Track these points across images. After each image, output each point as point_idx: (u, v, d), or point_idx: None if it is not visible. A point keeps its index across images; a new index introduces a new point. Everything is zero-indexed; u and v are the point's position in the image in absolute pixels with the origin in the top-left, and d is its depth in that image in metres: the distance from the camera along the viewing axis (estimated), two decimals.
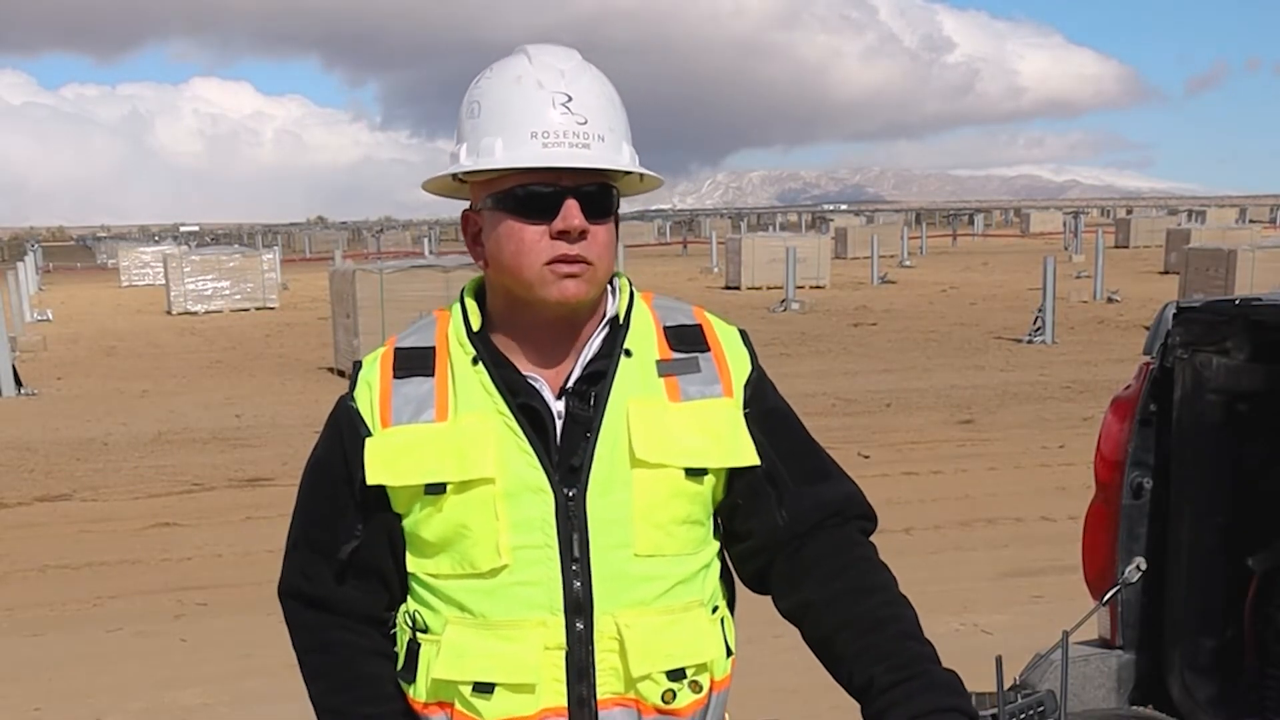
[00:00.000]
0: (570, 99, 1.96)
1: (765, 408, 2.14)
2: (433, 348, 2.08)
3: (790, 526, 2.11)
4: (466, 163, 2.01)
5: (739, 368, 2.11)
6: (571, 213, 1.95)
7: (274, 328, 26.89)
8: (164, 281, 33.52)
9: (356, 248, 77.25)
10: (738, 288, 33.92)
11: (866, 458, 11.36)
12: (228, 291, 31.98)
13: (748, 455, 2.06)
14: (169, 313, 31.25)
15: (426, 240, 64.82)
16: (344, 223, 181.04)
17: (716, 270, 41.33)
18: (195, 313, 31.16)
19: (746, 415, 2.09)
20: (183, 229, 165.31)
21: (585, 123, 1.96)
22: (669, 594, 2.04)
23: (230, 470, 11.71)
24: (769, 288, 32.22)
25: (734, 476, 2.10)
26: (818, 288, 33.21)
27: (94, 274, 57.87)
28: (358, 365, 2.13)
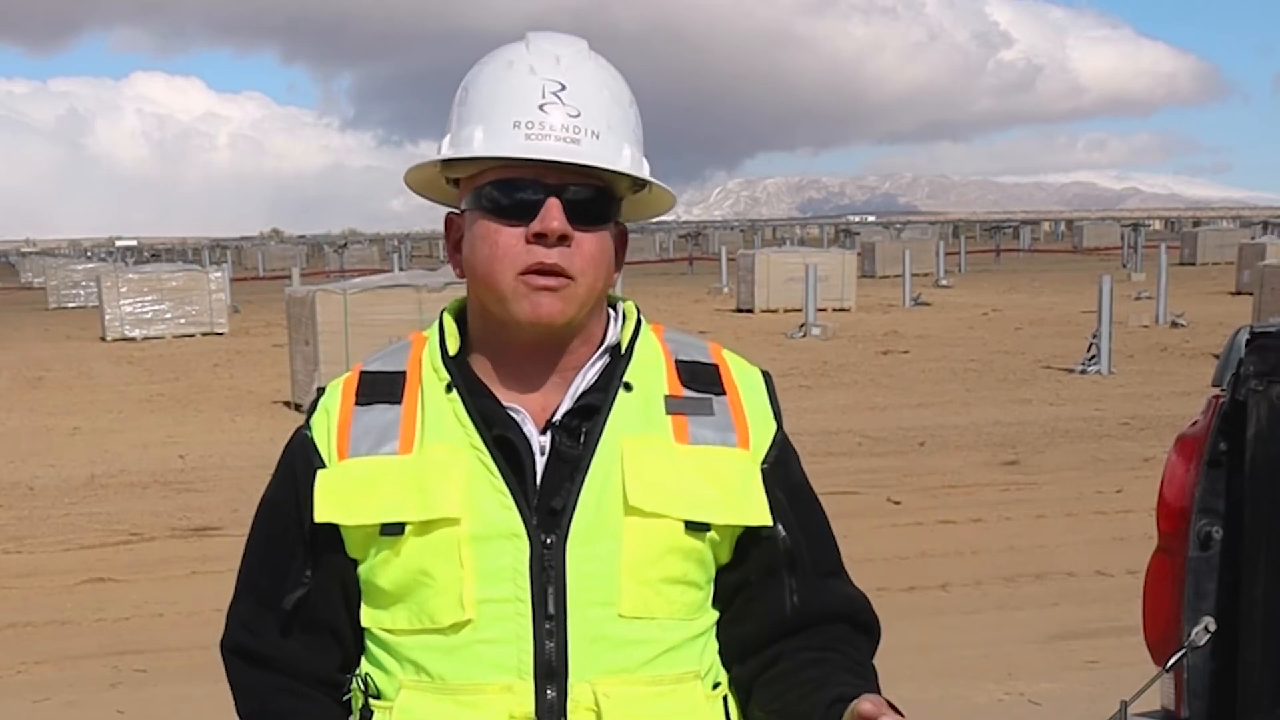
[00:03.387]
0: (563, 88, 1.95)
1: (792, 480, 2.12)
2: (402, 373, 2.07)
3: (796, 618, 2.09)
4: (447, 152, 2.00)
5: (760, 421, 2.08)
6: (551, 213, 1.92)
7: (223, 356, 26.90)
8: (97, 303, 33.55)
9: (317, 264, 77.30)
10: (751, 310, 33.96)
11: (897, 504, 11.36)
12: (170, 315, 32.00)
13: (760, 514, 2.02)
14: (103, 339, 31.27)
15: (396, 256, 64.84)
16: (302, 236, 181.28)
17: (727, 290, 41.36)
18: (133, 338, 31.19)
19: (766, 475, 2.05)
20: (119, 243, 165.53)
21: (578, 115, 1.94)
22: (657, 661, 2.00)
23: (173, 518, 11.70)
24: (786, 310, 32.24)
25: (747, 543, 2.06)
26: (842, 310, 33.28)
27: (18, 294, 57.91)
28: (320, 391, 2.12)
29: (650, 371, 2.06)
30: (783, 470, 2.09)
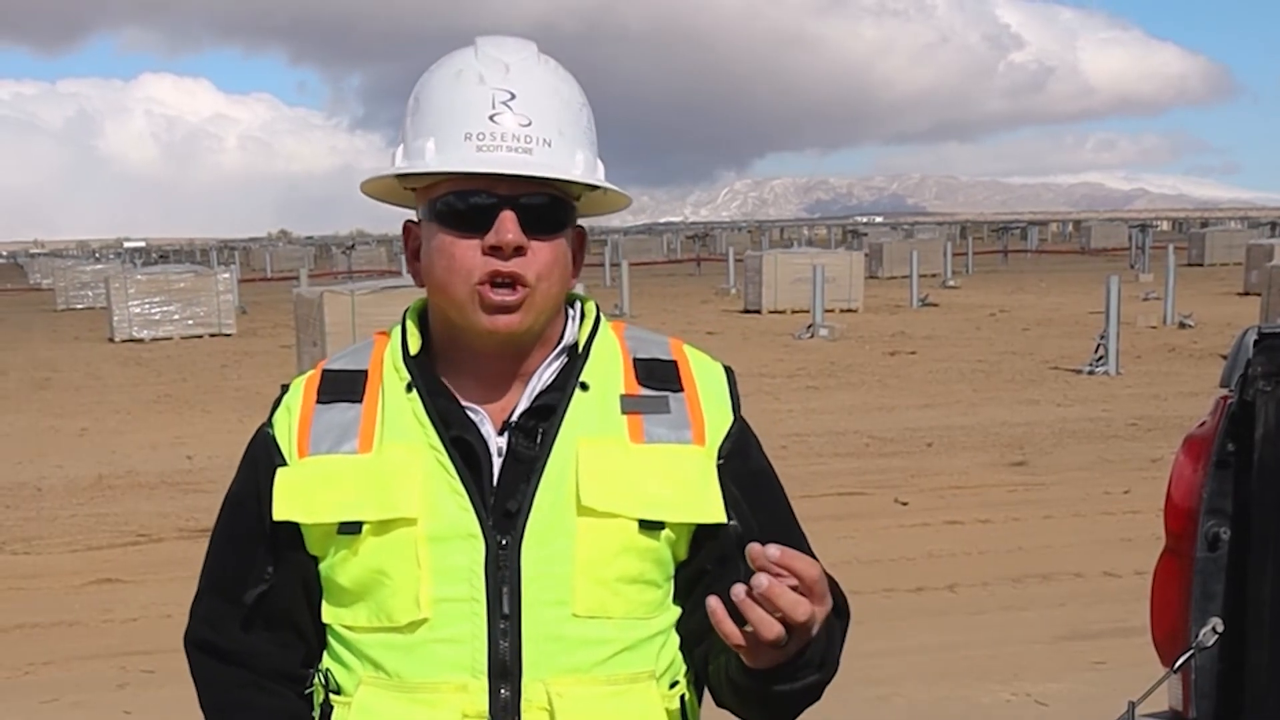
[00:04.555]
0: (513, 96, 1.95)
1: (748, 467, 2.11)
2: (364, 371, 2.09)
3: None
4: (401, 165, 2.01)
5: (716, 415, 2.08)
6: (505, 225, 1.93)
7: (230, 357, 26.93)
8: (105, 304, 33.59)
9: (324, 265, 77.30)
10: (758, 311, 33.92)
11: (904, 504, 11.34)
12: (177, 316, 32.05)
13: (715, 511, 2.02)
14: (111, 340, 31.30)
15: (404, 258, 64.79)
16: (309, 238, 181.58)
17: (734, 291, 41.34)
18: (141, 339, 31.22)
19: (721, 469, 2.05)
20: (127, 245, 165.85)
21: (529, 124, 1.95)
22: (612, 661, 2.01)
23: (180, 519, 11.70)
24: (794, 311, 32.22)
25: (702, 538, 2.06)
26: (849, 311, 33.27)
27: (26, 295, 57.98)
28: (284, 389, 2.14)
29: (607, 371, 2.07)
30: (739, 461, 2.09)
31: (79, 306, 45.04)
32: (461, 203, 1.96)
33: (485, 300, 1.95)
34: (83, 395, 21.38)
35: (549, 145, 1.96)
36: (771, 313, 33.39)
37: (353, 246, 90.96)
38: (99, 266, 49.99)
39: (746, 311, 34.56)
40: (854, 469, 13.04)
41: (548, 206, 1.97)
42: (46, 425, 17.99)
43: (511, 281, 1.95)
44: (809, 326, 28.05)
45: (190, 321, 32.16)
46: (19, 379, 23.98)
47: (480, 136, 1.93)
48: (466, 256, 1.96)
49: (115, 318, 31.76)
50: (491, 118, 1.94)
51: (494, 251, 1.94)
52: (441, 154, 1.95)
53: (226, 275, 34.30)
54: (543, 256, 1.97)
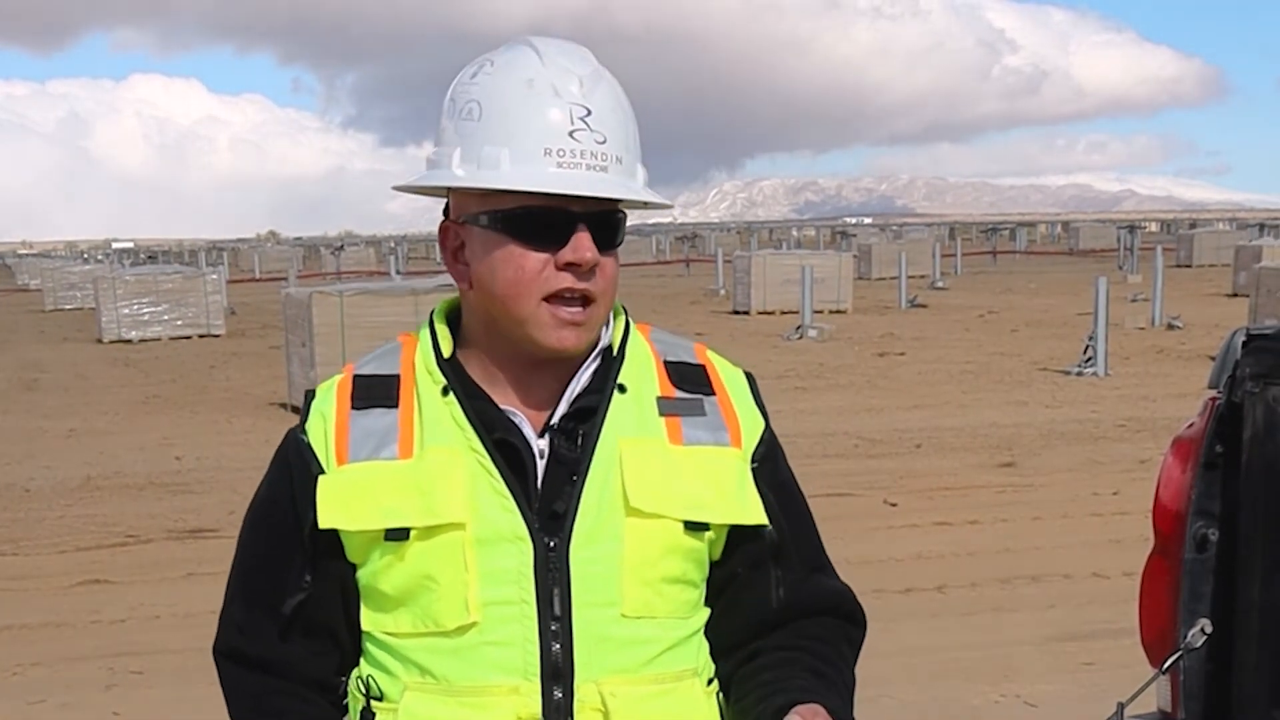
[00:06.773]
0: (589, 113, 1.94)
1: (779, 477, 2.14)
2: (396, 376, 2.07)
3: (781, 612, 2.11)
4: (460, 173, 1.97)
5: (749, 420, 2.11)
6: (583, 244, 1.93)
7: (219, 357, 26.88)
8: (94, 305, 33.53)
9: (313, 266, 77.15)
10: (747, 312, 33.95)
11: (894, 506, 11.36)
12: (166, 316, 31.97)
13: (755, 513, 2.05)
14: (99, 340, 31.23)
15: (393, 258, 64.82)
16: (298, 239, 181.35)
17: (723, 292, 41.36)
18: (129, 340, 31.15)
19: (755, 473, 2.08)
20: (115, 245, 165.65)
21: (604, 142, 1.94)
22: (659, 660, 2.02)
23: (169, 520, 11.68)
24: (782, 312, 32.23)
25: (736, 541, 2.08)
26: (838, 312, 33.26)
27: (14, 296, 57.85)
28: (310, 394, 2.12)
29: (642, 373, 2.08)
30: (771, 467, 2.12)
31: (67, 307, 44.95)
32: (535, 217, 1.94)
33: (557, 316, 1.95)
34: (71, 396, 21.33)
35: (620, 162, 1.96)
36: (760, 314, 33.42)
37: (341, 247, 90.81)
38: (87, 267, 49.91)
39: (735, 313, 34.58)
40: (843, 470, 13.04)
41: (613, 222, 1.99)
42: (34, 426, 17.94)
43: (582, 298, 1.96)
44: (798, 328, 28.06)
45: (179, 322, 32.09)
46: (7, 379, 23.91)
47: (560, 153, 1.92)
48: (536, 269, 1.94)
49: (103, 318, 31.69)
50: (571, 134, 1.92)
51: (569, 268, 1.94)
52: (519, 167, 1.92)
53: (215, 276, 34.25)
54: (608, 271, 1.99)
